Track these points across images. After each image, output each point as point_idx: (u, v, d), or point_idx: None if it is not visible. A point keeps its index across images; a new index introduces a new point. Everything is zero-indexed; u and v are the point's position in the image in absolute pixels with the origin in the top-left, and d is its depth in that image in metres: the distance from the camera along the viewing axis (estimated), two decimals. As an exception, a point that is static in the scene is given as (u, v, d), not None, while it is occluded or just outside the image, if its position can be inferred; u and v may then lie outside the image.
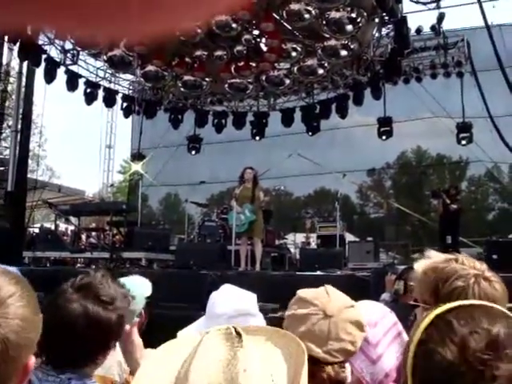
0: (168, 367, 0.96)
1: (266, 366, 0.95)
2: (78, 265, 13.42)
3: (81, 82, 13.63)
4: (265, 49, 12.58)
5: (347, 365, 1.78)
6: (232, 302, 2.15)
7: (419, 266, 1.77)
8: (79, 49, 13.28)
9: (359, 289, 6.71)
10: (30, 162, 15.39)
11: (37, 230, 16.00)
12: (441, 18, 14.34)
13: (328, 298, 1.80)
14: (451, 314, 0.99)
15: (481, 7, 11.88)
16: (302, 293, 1.86)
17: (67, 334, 1.77)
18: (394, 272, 4.89)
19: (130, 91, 15.83)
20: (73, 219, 14.64)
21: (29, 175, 14.75)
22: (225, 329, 0.98)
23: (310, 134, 15.36)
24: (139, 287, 2.96)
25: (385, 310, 2.00)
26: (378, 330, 1.86)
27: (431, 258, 1.76)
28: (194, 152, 17.35)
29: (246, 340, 0.95)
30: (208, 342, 0.96)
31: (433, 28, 14.75)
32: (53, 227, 15.39)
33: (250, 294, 2.27)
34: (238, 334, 0.96)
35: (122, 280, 2.57)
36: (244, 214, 10.11)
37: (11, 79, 16.47)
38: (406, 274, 4.36)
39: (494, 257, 9.70)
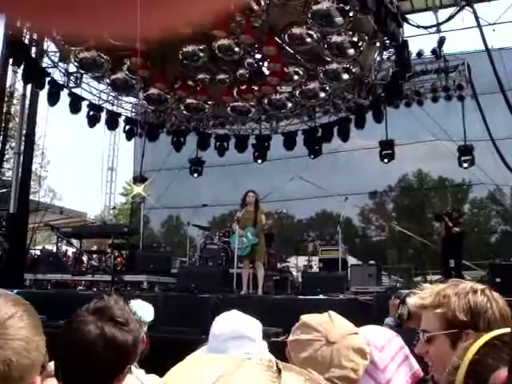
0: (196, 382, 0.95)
1: None
2: (80, 287, 13.38)
3: (84, 104, 13.71)
4: (267, 72, 12.67)
5: None
6: (231, 324, 2.12)
7: (422, 298, 1.71)
8: (83, 72, 13.38)
9: (361, 313, 6.67)
10: (31, 183, 15.39)
11: (38, 252, 15.95)
12: (441, 41, 14.46)
13: (331, 324, 1.78)
14: (506, 336, 0.97)
15: (481, 31, 11.98)
16: (306, 318, 1.84)
17: (84, 357, 1.75)
18: (398, 296, 4.84)
19: (133, 114, 15.90)
20: (74, 241, 14.61)
21: (31, 196, 14.76)
22: (267, 361, 0.97)
23: (312, 157, 15.38)
24: (142, 312, 2.95)
25: (391, 333, 1.99)
26: (385, 354, 1.84)
27: (432, 288, 1.72)
28: (196, 175, 17.38)
29: (285, 377, 0.94)
30: (248, 368, 0.95)
31: (434, 51, 14.86)
32: (54, 249, 15.35)
33: (254, 320, 2.22)
34: (279, 370, 0.95)
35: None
36: (246, 237, 10.08)
37: (15, 101, 16.56)
38: (410, 298, 4.31)
39: (498, 280, 9.65)
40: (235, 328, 2.09)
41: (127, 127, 15.48)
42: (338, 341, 1.73)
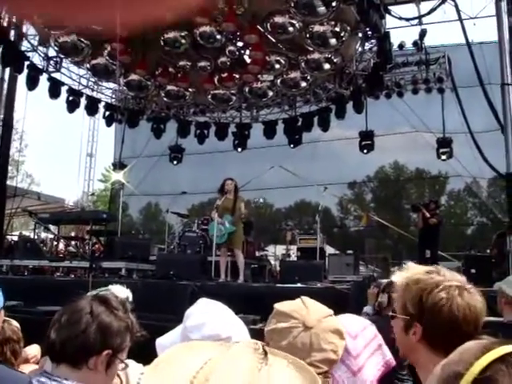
0: (183, 368, 0.96)
1: None
2: (57, 273, 13.29)
3: (63, 89, 13.57)
4: (248, 60, 12.64)
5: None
6: (203, 329, 1.95)
7: (399, 277, 1.76)
8: (62, 56, 13.23)
9: (339, 301, 6.72)
10: (9, 168, 15.22)
11: (15, 238, 15.82)
12: (423, 34, 14.52)
13: (306, 309, 1.80)
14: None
15: (462, 25, 12.06)
16: (280, 306, 1.86)
17: (68, 324, 1.86)
18: (377, 285, 4.90)
19: (113, 100, 15.78)
20: (52, 227, 14.50)
21: (8, 181, 14.59)
22: (254, 343, 0.99)
23: (292, 146, 15.40)
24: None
25: (365, 322, 2.01)
26: (358, 342, 1.87)
27: (410, 270, 1.75)
28: (175, 162, 17.33)
29: (271, 359, 0.96)
30: (236, 350, 0.97)
31: (415, 44, 14.93)
32: (32, 235, 15.23)
33: (224, 314, 2.07)
34: (265, 352, 0.97)
35: (102, 290, 2.56)
36: (224, 225, 10.10)
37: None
38: (389, 287, 4.36)
39: (473, 271, 9.80)
40: (207, 333, 1.96)
41: (107, 113, 15.38)
42: (314, 325, 1.76)
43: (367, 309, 4.86)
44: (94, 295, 1.97)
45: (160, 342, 1.99)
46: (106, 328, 1.87)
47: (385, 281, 4.77)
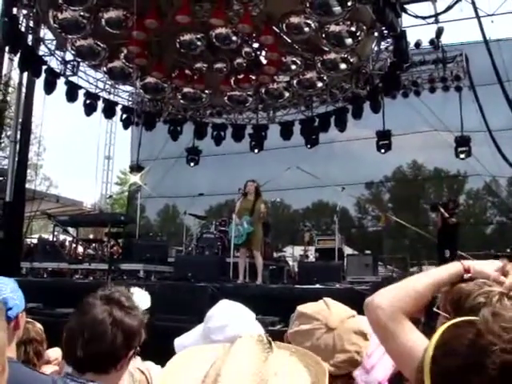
0: (195, 368, 0.98)
1: (293, 375, 0.97)
2: (76, 276, 13.37)
3: (80, 93, 13.65)
4: (264, 62, 12.65)
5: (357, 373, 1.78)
6: (226, 330, 1.93)
7: None
8: (79, 60, 13.32)
9: (358, 302, 6.68)
10: (28, 171, 15.33)
11: (35, 241, 15.95)
12: (440, 32, 14.43)
13: (328, 310, 1.79)
14: (466, 322, 1.02)
15: (479, 22, 11.95)
16: (303, 308, 1.85)
17: (93, 337, 1.83)
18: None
19: (130, 103, 15.85)
20: (71, 230, 14.59)
21: (27, 185, 14.69)
22: (258, 335, 1.00)
23: (309, 146, 15.37)
24: (138, 300, 2.94)
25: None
26: (371, 342, 1.86)
27: None
28: (192, 164, 17.37)
29: (276, 349, 0.97)
30: (241, 344, 0.98)
31: (432, 42, 14.84)
32: (51, 238, 15.34)
33: (246, 315, 2.05)
34: (269, 342, 0.98)
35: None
36: (242, 225, 10.08)
37: (11, 89, 16.49)
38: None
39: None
40: (230, 334, 1.92)
41: (124, 116, 15.45)
42: (337, 326, 1.75)
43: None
44: (102, 297, 1.95)
45: (180, 342, 1.98)
46: (130, 332, 1.90)
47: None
